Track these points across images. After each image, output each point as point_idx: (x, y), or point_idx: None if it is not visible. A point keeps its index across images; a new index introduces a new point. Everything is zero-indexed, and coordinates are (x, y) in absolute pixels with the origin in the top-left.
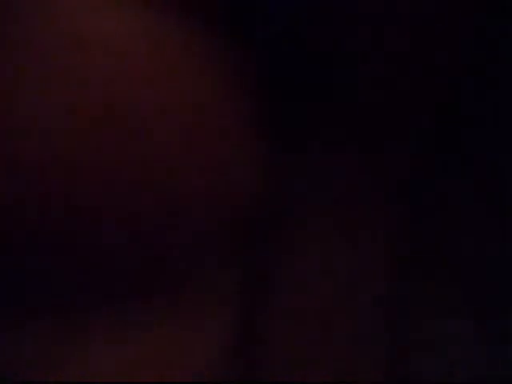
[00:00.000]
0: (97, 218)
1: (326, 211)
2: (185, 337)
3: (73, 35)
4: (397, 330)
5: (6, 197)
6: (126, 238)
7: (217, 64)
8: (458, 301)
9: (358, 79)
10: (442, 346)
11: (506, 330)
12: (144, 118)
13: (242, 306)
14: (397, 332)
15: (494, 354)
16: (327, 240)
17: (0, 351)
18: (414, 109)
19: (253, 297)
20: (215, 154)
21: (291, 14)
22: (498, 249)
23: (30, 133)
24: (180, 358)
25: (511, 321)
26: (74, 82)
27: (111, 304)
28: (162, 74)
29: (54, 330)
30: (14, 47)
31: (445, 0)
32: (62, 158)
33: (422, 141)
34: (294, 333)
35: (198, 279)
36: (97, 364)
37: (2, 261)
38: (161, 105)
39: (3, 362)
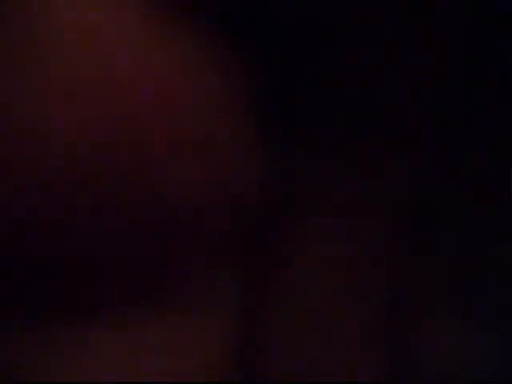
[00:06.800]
0: (97, 217)
1: (328, 211)
2: (184, 337)
3: (77, 32)
4: (399, 329)
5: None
6: (125, 237)
7: (220, 63)
8: (461, 298)
9: (359, 79)
10: (443, 346)
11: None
12: (147, 117)
13: (242, 306)
14: (399, 331)
15: (500, 353)
16: (328, 239)
17: (0, 351)
18: (414, 109)
19: (253, 297)
20: (215, 154)
21: (290, 13)
22: (500, 245)
23: (33, 133)
24: (179, 358)
25: None
26: (79, 82)
27: (110, 304)
28: (168, 73)
29: (55, 330)
30: (16, 46)
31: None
32: (64, 153)
33: (422, 141)
34: (294, 332)
35: (197, 279)
36: (96, 364)
37: (3, 260)
38: (166, 104)
39: (3, 362)
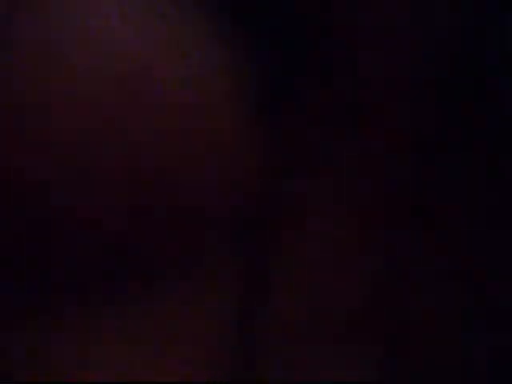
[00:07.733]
0: (98, 217)
1: (326, 209)
2: (184, 336)
3: (84, 33)
4: (397, 329)
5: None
6: (126, 231)
7: (221, 63)
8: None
9: (358, 70)
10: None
11: None
12: (146, 118)
13: (242, 303)
14: (396, 331)
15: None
16: (326, 238)
17: (0, 351)
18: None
19: (252, 294)
20: (215, 153)
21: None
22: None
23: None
24: (179, 357)
25: None
26: (86, 80)
27: (111, 303)
28: (171, 69)
29: (55, 329)
30: (26, 46)
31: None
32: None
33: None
34: (293, 331)
35: (197, 275)
36: (96, 358)
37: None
38: (167, 103)
39: (3, 362)
